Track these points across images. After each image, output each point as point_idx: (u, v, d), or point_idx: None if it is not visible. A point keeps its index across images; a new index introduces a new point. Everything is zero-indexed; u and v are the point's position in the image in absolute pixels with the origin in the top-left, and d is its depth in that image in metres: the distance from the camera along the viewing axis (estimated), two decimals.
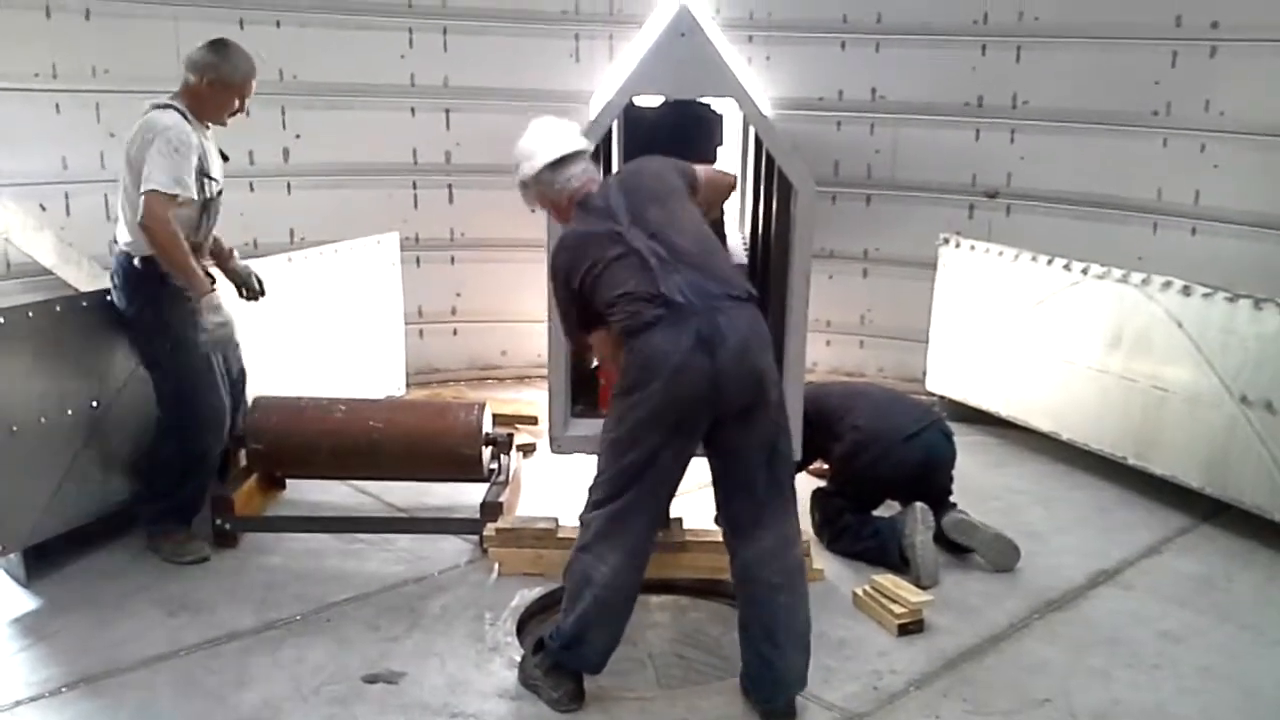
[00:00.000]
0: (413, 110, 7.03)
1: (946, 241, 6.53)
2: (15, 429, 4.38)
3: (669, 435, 3.57)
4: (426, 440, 5.03)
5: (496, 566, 4.69)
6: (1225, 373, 5.12)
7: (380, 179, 7.04)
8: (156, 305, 4.59)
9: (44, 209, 5.96)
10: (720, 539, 4.66)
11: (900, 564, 4.67)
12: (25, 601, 4.43)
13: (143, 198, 4.35)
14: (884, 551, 4.74)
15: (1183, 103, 6.24)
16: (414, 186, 7.16)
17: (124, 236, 4.61)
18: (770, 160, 5.79)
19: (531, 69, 6.99)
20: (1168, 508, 5.42)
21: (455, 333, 7.43)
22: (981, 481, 5.56)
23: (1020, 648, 4.23)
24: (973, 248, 6.39)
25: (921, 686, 3.95)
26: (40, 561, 4.59)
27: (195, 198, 4.52)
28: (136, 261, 4.55)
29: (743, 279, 3.76)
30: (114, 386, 4.78)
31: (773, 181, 5.54)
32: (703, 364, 3.50)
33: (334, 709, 3.73)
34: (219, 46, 4.62)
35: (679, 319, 3.53)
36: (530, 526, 4.72)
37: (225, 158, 4.85)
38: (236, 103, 4.67)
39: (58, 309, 4.61)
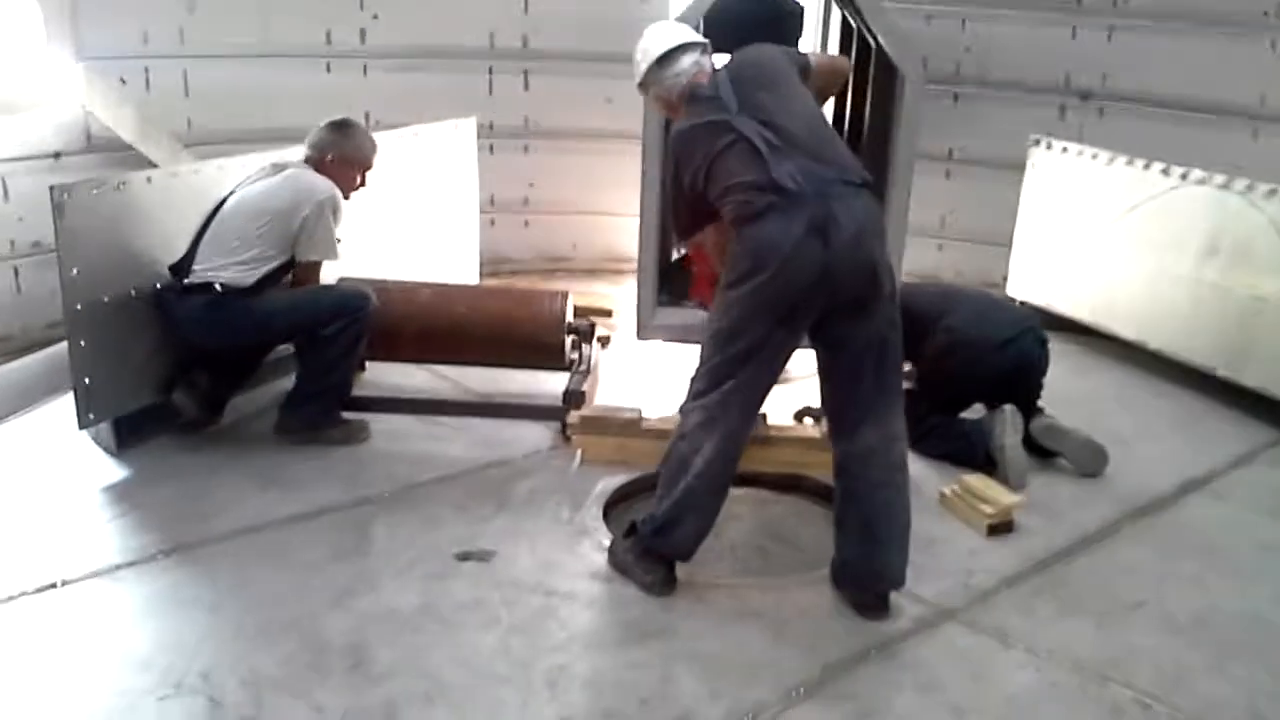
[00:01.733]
0: None
1: (1037, 143, 6.34)
2: (107, 299, 4.37)
3: (777, 325, 3.51)
4: (510, 326, 5.01)
5: (579, 453, 4.68)
6: None
7: (455, 63, 6.94)
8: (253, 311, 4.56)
9: (124, 83, 5.91)
10: (802, 434, 4.71)
11: (987, 466, 4.61)
12: (115, 471, 4.47)
13: (306, 264, 4.59)
14: (972, 453, 4.68)
15: None
16: (489, 72, 7.05)
17: (224, 274, 4.50)
18: (862, 50, 5.65)
19: None
20: (1257, 420, 5.31)
21: (526, 224, 7.37)
22: (1066, 387, 5.44)
23: (1111, 551, 4.18)
24: (1065, 150, 6.21)
25: (1013, 585, 3.91)
26: (128, 433, 4.61)
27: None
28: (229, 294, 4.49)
29: (858, 164, 3.64)
30: None
31: (866, 72, 5.41)
32: (816, 251, 3.42)
33: (429, 583, 3.75)
34: (342, 125, 4.77)
35: (792, 206, 3.45)
36: (615, 416, 4.69)
37: None
38: (359, 179, 4.80)
39: (149, 180, 4.57)
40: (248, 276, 4.51)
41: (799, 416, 5.02)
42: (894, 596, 3.75)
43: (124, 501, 4.23)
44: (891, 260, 3.68)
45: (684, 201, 3.78)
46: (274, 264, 4.56)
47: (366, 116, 6.67)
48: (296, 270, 4.62)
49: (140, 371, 4.58)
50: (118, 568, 3.79)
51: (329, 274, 4.85)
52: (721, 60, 3.87)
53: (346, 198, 4.79)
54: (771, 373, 3.66)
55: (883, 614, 3.68)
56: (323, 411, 4.75)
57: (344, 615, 3.56)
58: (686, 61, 3.82)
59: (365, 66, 6.74)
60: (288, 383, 4.92)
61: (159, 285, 4.56)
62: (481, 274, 6.87)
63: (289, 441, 4.70)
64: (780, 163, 3.49)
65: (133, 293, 4.49)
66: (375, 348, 5.19)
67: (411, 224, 6.10)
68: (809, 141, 3.55)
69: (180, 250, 4.59)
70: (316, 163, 4.73)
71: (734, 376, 3.59)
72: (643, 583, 3.76)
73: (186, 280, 4.51)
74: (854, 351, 3.60)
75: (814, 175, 3.47)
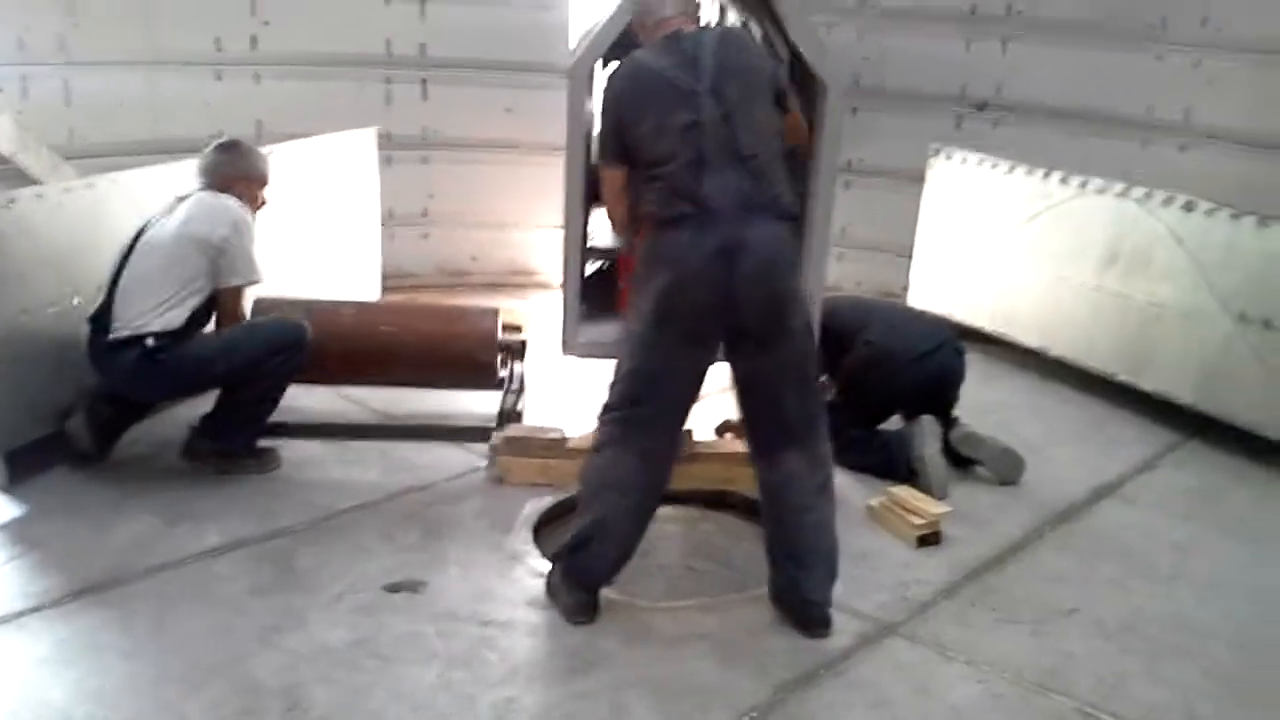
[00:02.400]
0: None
1: (937, 153, 6.45)
2: None
3: (683, 340, 3.46)
4: (441, 345, 4.86)
5: (502, 475, 4.57)
6: (1224, 290, 5.14)
7: (351, 71, 6.76)
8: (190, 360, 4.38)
9: (0, 91, 5.59)
10: (729, 450, 4.67)
11: (909, 477, 4.64)
12: (7, 508, 4.19)
13: (231, 290, 4.41)
14: (892, 464, 4.71)
15: (1179, 17, 6.19)
16: (387, 81, 6.87)
17: (154, 322, 4.27)
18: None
19: None
20: (1158, 423, 5.47)
21: (426, 236, 7.20)
22: (973, 396, 5.49)
23: (1037, 558, 4.24)
24: (964, 160, 6.32)
25: (949, 596, 3.93)
26: (21, 466, 4.34)
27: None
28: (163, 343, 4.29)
29: (791, 196, 3.55)
30: (96, 281, 4.50)
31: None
32: (720, 274, 3.36)
33: (359, 617, 3.60)
34: (231, 146, 4.65)
35: (708, 223, 3.38)
36: (539, 436, 4.59)
37: None
38: (260, 197, 4.67)
39: (38, 196, 4.33)
40: (177, 317, 4.30)
41: (720, 431, 4.99)
42: (836, 613, 3.74)
43: (21, 541, 3.96)
44: (806, 291, 3.67)
45: (613, 134, 3.60)
46: (201, 297, 4.36)
47: (259, 126, 6.46)
48: (220, 298, 4.42)
49: (33, 400, 4.32)
50: (21, 614, 3.54)
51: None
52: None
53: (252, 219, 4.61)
54: (685, 388, 3.58)
55: (824, 632, 3.64)
56: (244, 442, 4.55)
57: (273, 654, 3.39)
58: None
59: (257, 74, 6.51)
60: (189, 410, 4.69)
61: (88, 332, 4.33)
62: (382, 289, 6.69)
63: (200, 469, 4.48)
64: (715, 175, 3.40)
65: (24, 314, 4.23)
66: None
67: (310, 238, 5.89)
68: (753, 156, 3.45)
69: (76, 271, 4.38)
70: (215, 188, 4.53)
71: (646, 387, 3.52)
72: (563, 608, 3.66)
73: (113, 336, 4.27)
74: (770, 377, 3.54)
75: (741, 195, 3.40)
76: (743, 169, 3.43)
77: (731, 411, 5.10)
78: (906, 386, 4.81)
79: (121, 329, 4.26)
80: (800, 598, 3.65)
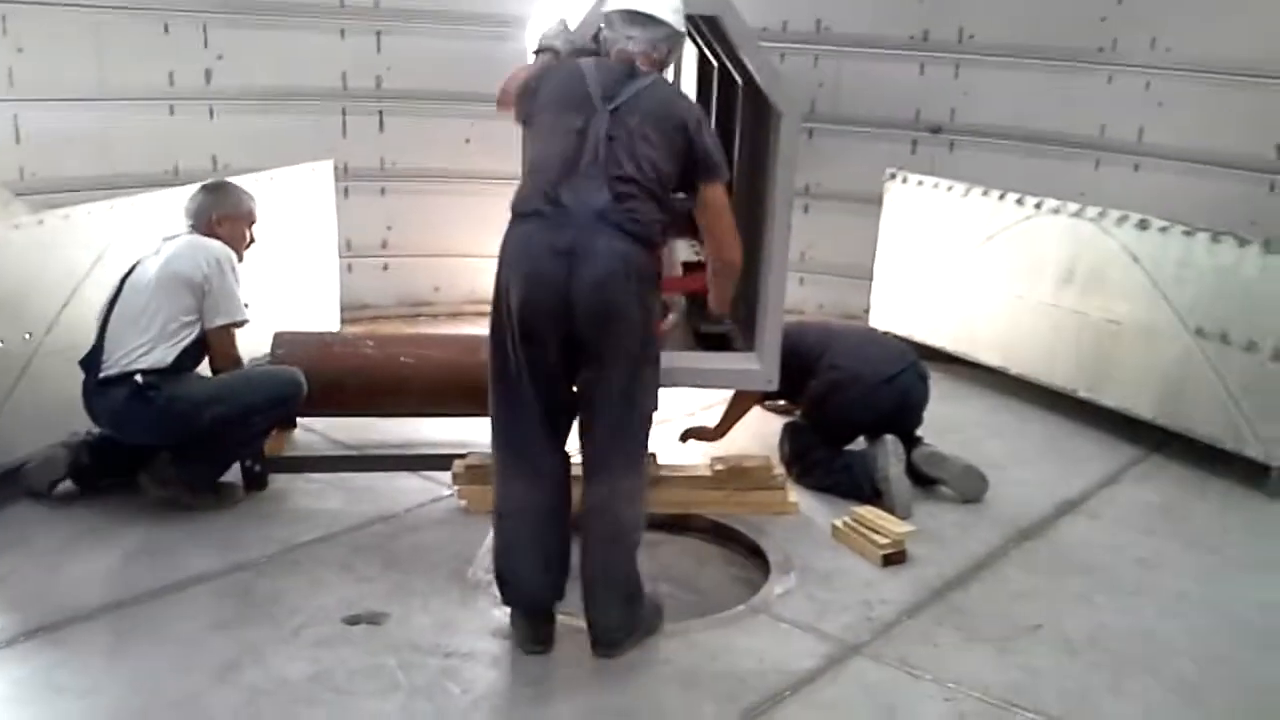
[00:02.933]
0: (342, 32, 6.74)
1: (893, 176, 6.49)
2: None
3: (523, 340, 3.39)
4: (460, 375, 4.81)
5: (466, 504, 4.53)
6: (1180, 305, 5.19)
7: (308, 104, 6.74)
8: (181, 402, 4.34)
9: None
10: (691, 473, 4.66)
11: (873, 496, 4.64)
12: None
13: (217, 331, 4.41)
14: (856, 485, 4.71)
15: (1129, 39, 6.29)
16: (343, 113, 6.86)
17: (141, 359, 4.28)
18: (725, 91, 5.68)
19: None
20: (1119, 439, 5.50)
21: (386, 267, 7.18)
22: (935, 415, 5.49)
23: (1001, 576, 4.24)
24: (920, 183, 6.37)
25: (914, 615, 3.92)
26: None
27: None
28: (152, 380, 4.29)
29: (653, 227, 3.45)
30: (48, 317, 4.47)
31: (733, 111, 5.44)
32: (559, 275, 3.31)
33: (319, 650, 3.54)
34: (216, 187, 4.69)
35: (557, 224, 3.35)
36: None
37: None
38: (248, 235, 4.69)
39: None
40: (168, 354, 4.30)
41: (683, 438, 5.01)
42: (800, 633, 3.73)
43: None
44: (651, 331, 3.55)
45: (522, 91, 3.65)
46: (190, 336, 4.36)
47: (214, 161, 6.43)
48: (210, 340, 4.41)
49: None
50: None
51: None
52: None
53: (241, 258, 4.63)
54: (539, 390, 3.46)
55: (606, 652, 3.58)
56: (213, 476, 4.50)
57: (231, 690, 3.33)
58: (639, 35, 3.62)
59: (211, 109, 6.47)
60: None
61: (82, 376, 4.33)
62: (342, 320, 6.64)
63: (160, 497, 4.41)
64: (579, 183, 3.38)
65: None
66: (319, 403, 4.91)
67: (269, 271, 5.83)
68: (624, 179, 3.40)
69: (28, 307, 4.36)
70: (202, 229, 4.55)
71: (504, 391, 3.49)
72: (517, 638, 3.61)
73: (103, 374, 4.27)
74: (594, 400, 3.50)
75: (597, 206, 3.36)
76: (608, 186, 3.38)
77: (696, 420, 5.20)
78: (871, 410, 4.82)
79: (110, 367, 4.27)
80: (590, 622, 3.61)
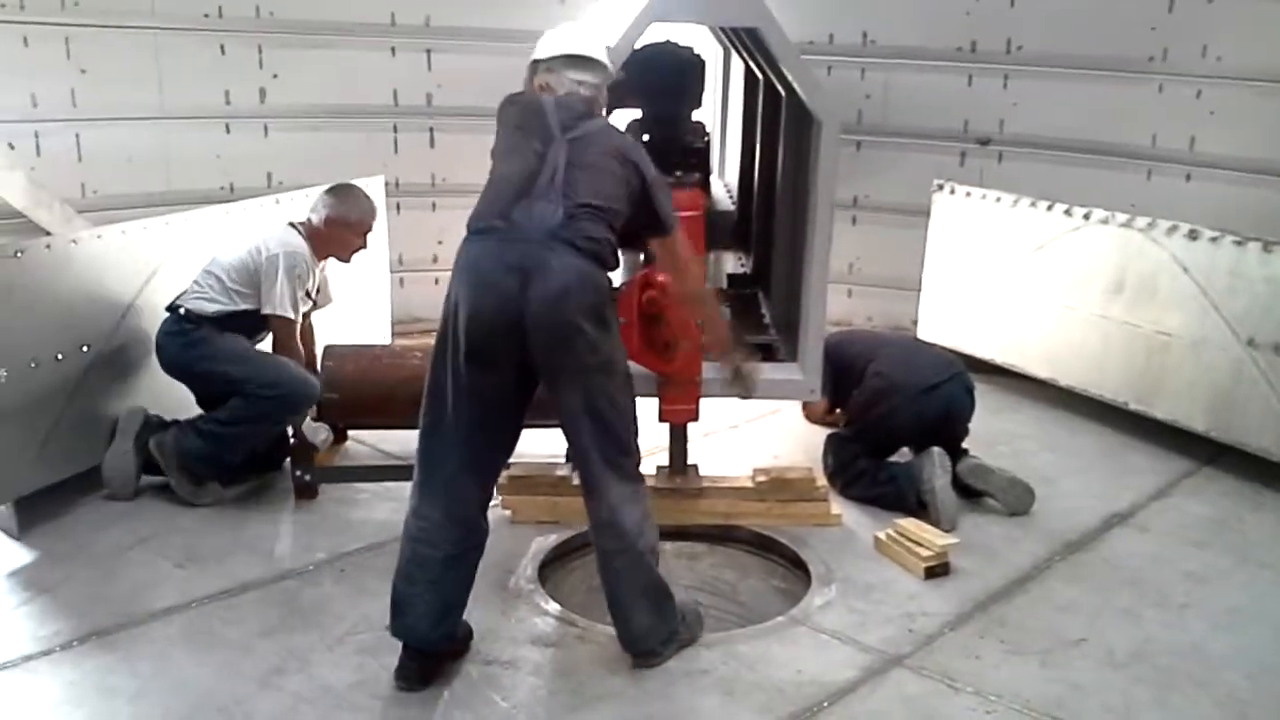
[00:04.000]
0: (393, 50, 6.83)
1: (941, 188, 6.46)
2: (5, 373, 4.16)
3: (470, 360, 3.33)
4: None
5: (509, 513, 4.57)
6: (1232, 316, 5.12)
7: (359, 121, 6.86)
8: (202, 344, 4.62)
9: (13, 148, 5.68)
10: (733, 484, 4.67)
11: (917, 509, 4.62)
12: (20, 555, 4.23)
13: (273, 318, 4.66)
14: (901, 497, 4.69)
15: (1179, 48, 6.21)
16: (394, 130, 6.97)
17: (191, 301, 4.63)
18: (771, 101, 5.70)
19: (515, 8, 6.78)
20: (1170, 451, 5.43)
21: (437, 281, 7.21)
22: (984, 427, 5.47)
23: (1046, 589, 4.20)
24: (968, 194, 6.33)
25: (956, 628, 3.90)
26: (31, 513, 4.38)
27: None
28: (191, 320, 4.62)
29: (605, 248, 3.44)
30: (104, 330, 4.59)
31: (777, 123, 5.45)
32: (512, 292, 3.26)
33: (363, 658, 3.60)
34: (338, 189, 4.88)
35: (510, 240, 3.32)
36: (545, 474, 4.60)
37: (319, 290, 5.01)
38: (359, 240, 4.89)
39: (47, 247, 4.39)
40: (208, 306, 4.59)
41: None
42: (840, 644, 3.72)
43: (31, 587, 4.00)
44: (614, 346, 3.52)
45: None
46: (237, 306, 4.61)
47: (269, 178, 6.55)
48: (272, 327, 4.71)
49: (43, 448, 4.36)
50: (29, 658, 3.57)
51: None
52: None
53: (347, 260, 4.89)
54: (475, 411, 3.39)
55: (645, 663, 3.60)
56: (199, 453, 4.60)
57: (275, 696, 3.40)
58: (588, 78, 3.72)
59: (266, 127, 6.60)
60: None
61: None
62: (393, 334, 6.74)
63: (147, 446, 4.63)
64: (534, 202, 3.36)
65: (33, 364, 4.28)
66: (367, 415, 5.03)
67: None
68: (577, 204, 3.39)
69: (84, 320, 4.53)
70: (312, 225, 4.77)
71: (438, 408, 3.42)
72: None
73: (170, 303, 4.67)
74: (568, 418, 3.47)
75: (550, 225, 3.33)
76: (562, 207, 3.37)
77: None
78: (914, 418, 4.81)
79: (176, 300, 4.65)
80: (626, 636, 3.62)
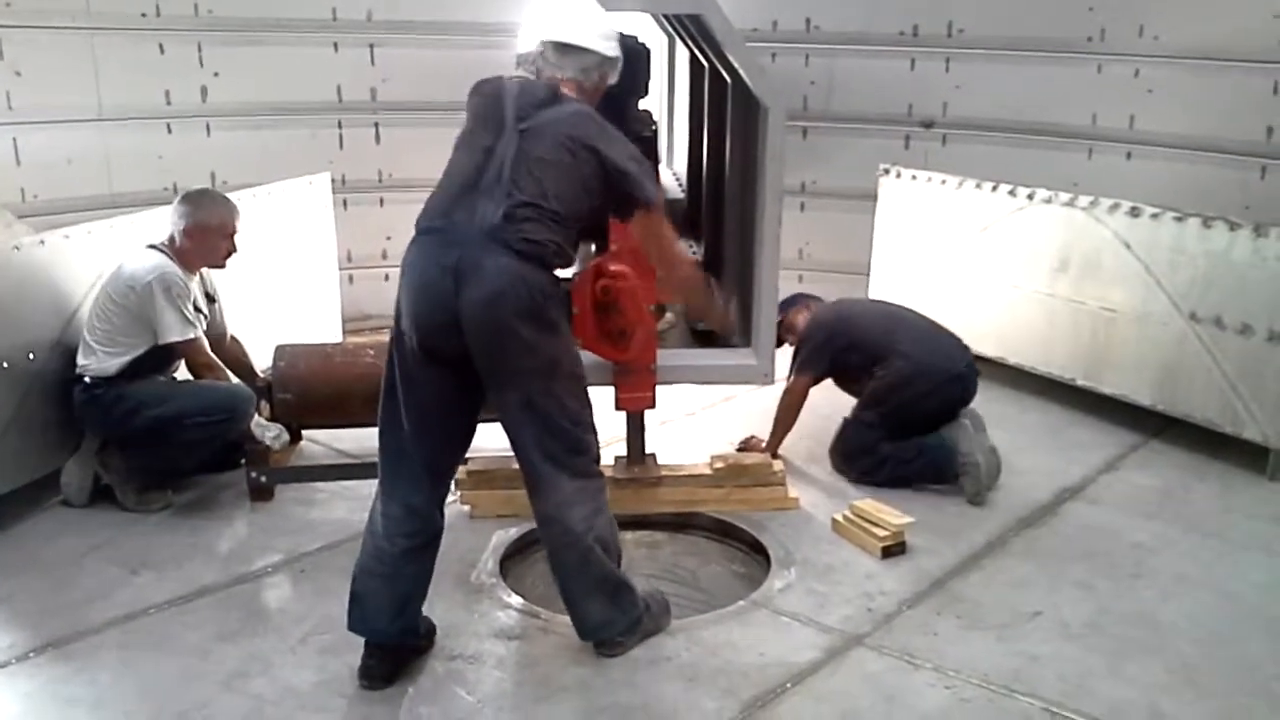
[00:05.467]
0: (335, 45, 6.78)
1: (887, 172, 6.52)
2: None
3: (415, 355, 3.34)
4: None
5: (469, 508, 4.57)
6: (1174, 291, 5.21)
7: (303, 118, 6.80)
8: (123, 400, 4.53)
9: None
10: (692, 472, 4.69)
11: (952, 479, 4.77)
12: None
13: (180, 344, 4.56)
14: (937, 468, 4.82)
15: (1117, 28, 6.30)
16: (339, 126, 6.91)
17: (89, 366, 4.51)
18: (717, 89, 5.72)
19: (459, 1, 6.76)
20: (1118, 425, 5.53)
21: (386, 278, 7.19)
22: None
23: (1002, 564, 4.27)
24: (914, 177, 6.40)
25: (914, 606, 3.96)
26: None
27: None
28: (99, 385, 4.52)
29: (547, 249, 3.38)
30: (50, 337, 4.52)
31: (724, 111, 5.47)
32: (446, 291, 3.25)
33: (326, 658, 3.59)
34: (192, 195, 4.74)
35: (448, 241, 3.30)
36: (503, 468, 4.59)
37: (212, 299, 4.91)
38: (226, 244, 4.71)
39: None
40: (109, 365, 4.48)
41: (741, 447, 5.13)
42: (801, 626, 3.76)
43: None
44: (561, 346, 3.50)
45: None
46: (135, 351, 4.50)
47: (212, 177, 6.47)
48: (180, 352, 4.62)
49: None
50: None
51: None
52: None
53: (221, 265, 4.73)
54: (427, 406, 3.40)
55: (608, 652, 3.62)
56: (152, 475, 4.61)
57: (238, 699, 3.39)
58: (568, 64, 3.64)
59: (208, 126, 6.53)
60: None
61: None
62: (344, 331, 6.69)
63: (107, 480, 4.62)
64: (475, 200, 3.32)
65: None
66: (321, 414, 5.00)
67: (269, 284, 5.89)
68: (519, 203, 3.33)
69: (29, 327, 4.47)
70: (172, 239, 4.62)
71: (392, 406, 3.43)
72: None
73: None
74: (506, 418, 3.46)
75: (487, 225, 3.28)
76: (502, 206, 3.32)
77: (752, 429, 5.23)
78: (941, 404, 4.93)
79: (77, 368, 4.53)
80: (580, 628, 3.62)
